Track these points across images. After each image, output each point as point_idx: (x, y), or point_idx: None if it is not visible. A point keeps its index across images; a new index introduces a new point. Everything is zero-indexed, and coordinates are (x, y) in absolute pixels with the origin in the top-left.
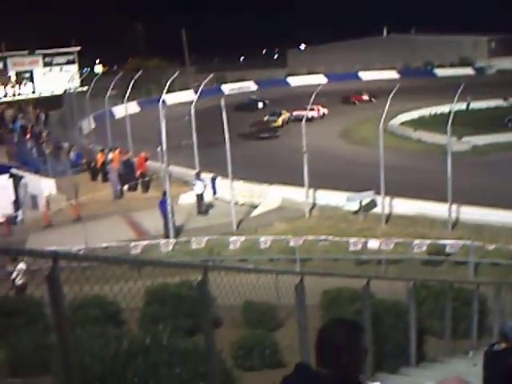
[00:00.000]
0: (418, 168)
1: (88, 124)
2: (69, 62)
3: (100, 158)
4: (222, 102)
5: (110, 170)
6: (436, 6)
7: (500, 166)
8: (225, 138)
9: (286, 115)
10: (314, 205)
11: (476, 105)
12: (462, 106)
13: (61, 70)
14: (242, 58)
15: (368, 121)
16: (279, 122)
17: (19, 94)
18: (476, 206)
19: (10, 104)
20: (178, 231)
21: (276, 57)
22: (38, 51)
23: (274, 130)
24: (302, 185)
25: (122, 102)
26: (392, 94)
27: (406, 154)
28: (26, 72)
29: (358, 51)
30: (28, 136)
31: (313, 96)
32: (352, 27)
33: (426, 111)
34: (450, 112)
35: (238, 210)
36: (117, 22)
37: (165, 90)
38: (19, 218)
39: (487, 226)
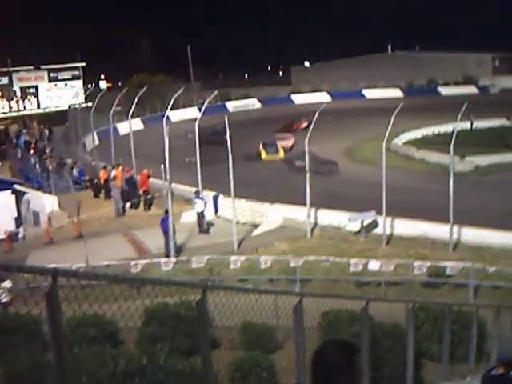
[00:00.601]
0: (420, 188)
1: (92, 140)
2: (74, 78)
3: (103, 174)
4: (226, 120)
5: (112, 187)
6: (440, 24)
7: (503, 186)
8: (228, 156)
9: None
10: (315, 224)
11: (479, 124)
12: (466, 125)
13: (66, 85)
14: (246, 75)
15: (372, 139)
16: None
17: (24, 109)
18: (477, 227)
19: (14, 119)
20: (179, 250)
21: (280, 74)
22: (43, 66)
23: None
24: (303, 204)
25: (127, 119)
26: (395, 112)
27: (408, 173)
28: (30, 87)
29: (362, 68)
30: (32, 152)
31: (316, 114)
32: (357, 44)
33: (429, 130)
34: (453, 131)
35: (239, 229)
36: (122, 37)
37: (169, 107)
38: (21, 235)
39: (488, 248)
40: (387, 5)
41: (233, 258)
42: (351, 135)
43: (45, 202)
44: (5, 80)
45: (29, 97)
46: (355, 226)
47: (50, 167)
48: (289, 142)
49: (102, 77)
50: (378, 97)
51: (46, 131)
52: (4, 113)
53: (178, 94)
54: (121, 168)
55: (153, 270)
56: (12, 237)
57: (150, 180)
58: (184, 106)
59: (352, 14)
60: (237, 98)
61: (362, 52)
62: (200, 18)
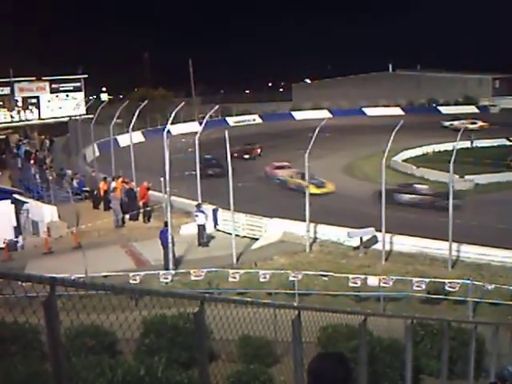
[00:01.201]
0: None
1: (92, 152)
2: (75, 90)
3: (103, 186)
4: (226, 135)
5: (112, 198)
6: (441, 44)
7: (502, 204)
8: (228, 170)
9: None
10: (314, 239)
11: (479, 143)
12: (466, 143)
13: (67, 96)
14: (247, 91)
15: (371, 156)
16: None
17: (25, 120)
18: (476, 245)
19: (15, 129)
20: (178, 262)
21: (281, 90)
22: (45, 77)
23: None
24: (303, 219)
25: (127, 131)
26: (395, 130)
27: None
28: (32, 98)
29: (363, 87)
30: (32, 162)
31: (316, 132)
32: (358, 63)
33: (429, 148)
34: (453, 149)
35: (238, 243)
36: (124, 50)
37: (170, 121)
38: (20, 244)
39: (487, 266)
40: (389, 24)
41: (232, 271)
42: (351, 152)
43: (44, 212)
44: (7, 90)
45: (30, 107)
46: (354, 242)
47: (50, 177)
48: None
49: (104, 89)
50: (379, 115)
51: (47, 142)
52: (5, 123)
53: (178, 108)
54: (121, 180)
55: (151, 282)
56: (11, 246)
57: (150, 192)
58: (185, 120)
59: (353, 32)
60: (237, 114)
61: (363, 70)
62: (202, 33)
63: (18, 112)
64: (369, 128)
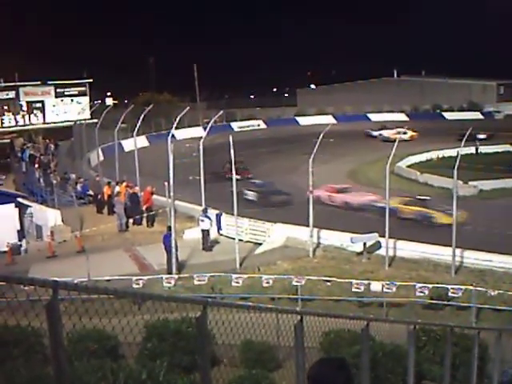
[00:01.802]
0: None
1: (96, 156)
2: (80, 94)
3: (107, 190)
4: (231, 140)
5: (116, 202)
6: (446, 50)
7: (506, 210)
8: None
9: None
10: (318, 244)
11: (484, 149)
12: (471, 149)
13: (72, 101)
14: (252, 96)
15: (375, 162)
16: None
17: (30, 124)
18: (480, 251)
19: (19, 133)
20: (181, 266)
21: (286, 96)
22: (50, 82)
23: None
24: (306, 224)
25: (132, 136)
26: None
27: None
28: (37, 102)
29: (367, 92)
30: (36, 166)
31: (320, 137)
32: (362, 69)
33: (433, 154)
34: (457, 155)
35: (242, 248)
36: (129, 55)
37: (174, 126)
38: (23, 248)
39: (490, 272)
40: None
41: (235, 275)
42: (355, 157)
43: (48, 216)
44: (11, 94)
45: (35, 111)
46: (358, 247)
47: (54, 181)
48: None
49: (109, 94)
50: (383, 120)
51: (52, 146)
52: (10, 127)
53: (183, 113)
54: (125, 184)
55: (155, 286)
56: (14, 250)
57: (154, 197)
58: (189, 125)
59: (358, 38)
60: (242, 119)
61: (368, 76)
62: (207, 38)
63: (23, 116)
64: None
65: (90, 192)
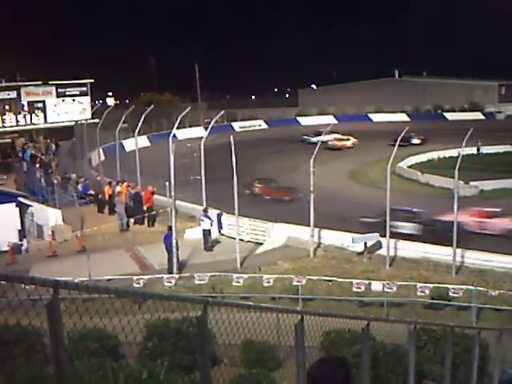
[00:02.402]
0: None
1: (98, 156)
2: (81, 94)
3: (108, 190)
4: (232, 139)
5: (117, 202)
6: (447, 51)
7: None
8: (233, 175)
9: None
10: (318, 244)
11: (485, 150)
12: (472, 150)
13: (73, 101)
14: (253, 97)
15: (377, 162)
16: None
17: (31, 124)
18: (481, 251)
19: (21, 133)
20: (182, 266)
21: (287, 96)
22: (51, 82)
23: None
24: (307, 224)
25: (133, 136)
26: (401, 136)
27: (413, 197)
28: (38, 102)
29: (369, 92)
30: (37, 165)
31: (321, 137)
32: (364, 69)
33: (434, 154)
34: (458, 156)
35: (242, 247)
36: (131, 55)
37: (175, 126)
38: (24, 247)
39: (491, 272)
40: (395, 31)
41: (235, 275)
42: (356, 158)
43: (49, 216)
44: (13, 94)
45: (36, 111)
46: (359, 247)
47: (55, 181)
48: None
49: (110, 94)
50: (384, 121)
51: (53, 145)
52: (11, 126)
53: (184, 112)
54: (126, 184)
55: (155, 286)
56: (15, 249)
57: (155, 197)
58: (190, 125)
59: (359, 38)
60: (243, 119)
61: (370, 77)
62: (208, 38)
63: (24, 116)
64: (374, 134)
65: (91, 192)
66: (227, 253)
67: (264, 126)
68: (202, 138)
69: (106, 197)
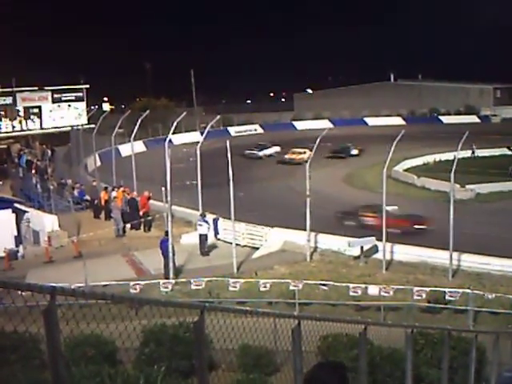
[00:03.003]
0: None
1: (93, 161)
2: (77, 99)
3: (104, 195)
4: (228, 144)
5: (113, 207)
6: (443, 54)
7: (503, 214)
8: (229, 180)
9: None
10: (315, 249)
11: (480, 153)
12: (467, 153)
13: (69, 106)
14: (249, 101)
15: (372, 166)
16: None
17: (27, 129)
18: (477, 254)
19: (16, 139)
20: (179, 271)
21: (283, 100)
22: (47, 87)
23: None
24: (304, 228)
25: (129, 141)
26: (396, 140)
27: (409, 200)
28: (34, 107)
29: (364, 97)
30: (33, 171)
31: (317, 142)
32: (360, 73)
33: (430, 158)
34: (454, 159)
35: (239, 252)
36: (126, 61)
37: (171, 131)
38: (20, 253)
39: (488, 275)
40: (390, 34)
41: (232, 280)
42: (352, 162)
43: (45, 222)
44: (8, 100)
45: (32, 117)
46: (355, 251)
47: (51, 187)
48: None
49: (106, 99)
50: (380, 124)
51: (49, 151)
52: (7, 132)
53: (180, 117)
54: (122, 189)
55: (152, 291)
56: (11, 255)
57: (151, 202)
58: (186, 130)
59: (355, 43)
60: (239, 123)
61: (365, 80)
62: (204, 43)
63: (20, 122)
64: (370, 138)
65: (87, 197)
66: (224, 258)
67: (260, 130)
68: (197, 142)
69: (102, 202)
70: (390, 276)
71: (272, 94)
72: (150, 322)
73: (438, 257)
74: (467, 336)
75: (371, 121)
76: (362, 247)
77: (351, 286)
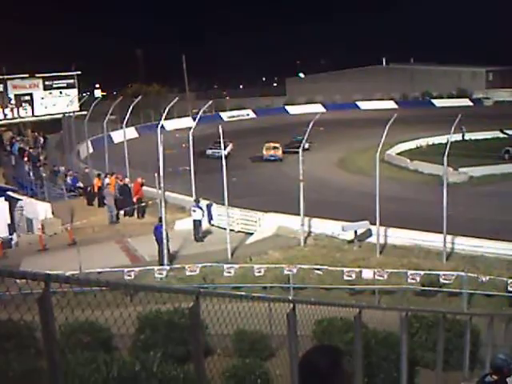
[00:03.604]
0: (413, 198)
1: (86, 148)
2: (69, 86)
3: (97, 182)
4: (220, 129)
5: (106, 194)
6: (435, 37)
7: (496, 196)
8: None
9: None
10: (309, 233)
11: (473, 136)
12: (459, 136)
13: (61, 93)
14: (241, 86)
15: (365, 150)
16: None
17: (18, 117)
18: (471, 237)
19: (8, 127)
20: (173, 257)
21: (275, 85)
22: (38, 75)
23: None
24: (297, 213)
25: (121, 127)
26: (389, 124)
27: (402, 184)
28: (25, 95)
29: (357, 81)
30: (25, 159)
31: (310, 126)
32: (351, 57)
33: (423, 141)
34: (447, 142)
35: (233, 237)
36: (118, 47)
37: (163, 116)
38: (14, 241)
39: (482, 258)
40: (382, 18)
41: (226, 265)
42: (345, 146)
43: (38, 209)
44: (0, 88)
45: (23, 104)
46: (349, 235)
47: (44, 175)
48: None
49: (97, 86)
50: (373, 108)
51: (41, 139)
52: None
53: (172, 103)
54: (115, 176)
55: (146, 278)
56: (5, 243)
57: (144, 188)
58: (179, 116)
59: (347, 26)
60: (231, 109)
61: (357, 64)
62: (196, 28)
63: (12, 109)
64: (363, 122)
65: (80, 184)
66: (218, 243)
67: (252, 115)
68: (190, 128)
69: (95, 189)
70: (384, 260)
71: (264, 79)
72: (145, 309)
73: (432, 240)
74: (461, 319)
75: (364, 105)
76: (355, 231)
77: (345, 270)
